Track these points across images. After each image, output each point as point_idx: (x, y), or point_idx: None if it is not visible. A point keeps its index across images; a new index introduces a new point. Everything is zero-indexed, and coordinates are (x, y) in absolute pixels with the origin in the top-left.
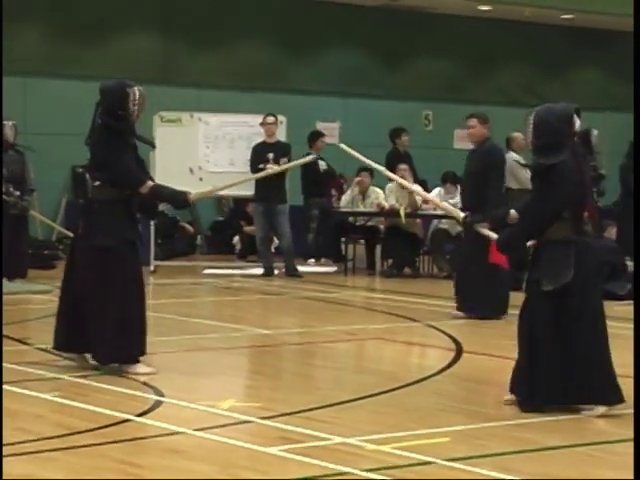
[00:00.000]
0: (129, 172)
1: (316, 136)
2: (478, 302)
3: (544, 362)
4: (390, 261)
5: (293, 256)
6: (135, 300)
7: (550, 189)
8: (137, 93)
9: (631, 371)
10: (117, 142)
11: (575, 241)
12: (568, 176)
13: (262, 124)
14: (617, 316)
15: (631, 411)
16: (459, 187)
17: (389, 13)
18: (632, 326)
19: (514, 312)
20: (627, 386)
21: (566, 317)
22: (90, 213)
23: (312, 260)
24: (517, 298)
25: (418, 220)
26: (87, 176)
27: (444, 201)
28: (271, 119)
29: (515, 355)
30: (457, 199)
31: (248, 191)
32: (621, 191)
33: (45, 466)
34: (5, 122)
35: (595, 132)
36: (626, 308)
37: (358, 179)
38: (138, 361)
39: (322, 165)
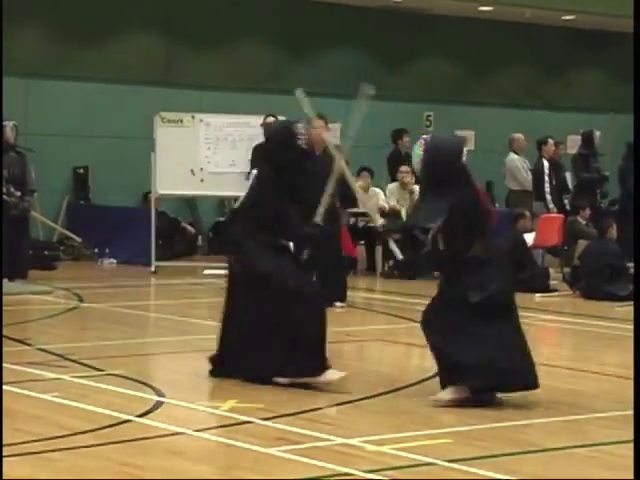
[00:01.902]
0: (291, 225)
1: None
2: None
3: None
4: (391, 262)
5: None
6: (307, 315)
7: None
8: (302, 129)
9: (631, 373)
10: (281, 187)
11: (491, 257)
12: (470, 209)
13: (263, 125)
14: (618, 317)
15: (631, 412)
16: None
17: (390, 14)
18: (632, 327)
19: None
20: (627, 387)
21: (489, 318)
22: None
23: None
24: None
25: None
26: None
27: None
28: (271, 120)
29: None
30: None
31: None
32: (620, 192)
33: (45, 467)
34: (6, 123)
35: (598, 133)
36: (626, 309)
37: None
38: (325, 369)
39: None
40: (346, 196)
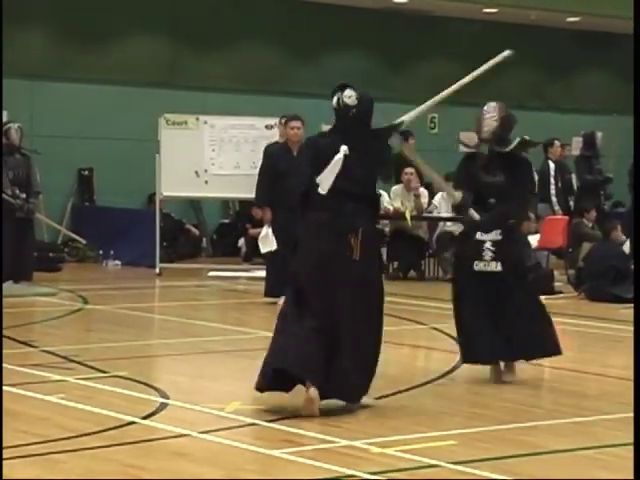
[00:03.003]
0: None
1: None
2: None
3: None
4: (395, 264)
5: None
6: None
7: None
8: None
9: (632, 374)
10: None
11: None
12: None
13: (280, 124)
14: (622, 319)
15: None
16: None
17: (394, 16)
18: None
19: None
20: (631, 389)
21: None
22: None
23: None
24: None
25: (423, 223)
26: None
27: (448, 202)
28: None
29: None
30: None
31: (253, 194)
32: (631, 196)
33: (50, 469)
34: (11, 125)
35: (599, 135)
36: (631, 311)
37: None
38: None
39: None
40: None
